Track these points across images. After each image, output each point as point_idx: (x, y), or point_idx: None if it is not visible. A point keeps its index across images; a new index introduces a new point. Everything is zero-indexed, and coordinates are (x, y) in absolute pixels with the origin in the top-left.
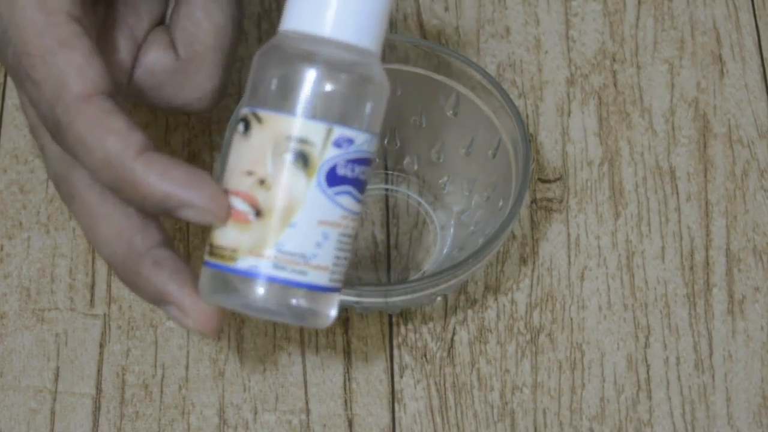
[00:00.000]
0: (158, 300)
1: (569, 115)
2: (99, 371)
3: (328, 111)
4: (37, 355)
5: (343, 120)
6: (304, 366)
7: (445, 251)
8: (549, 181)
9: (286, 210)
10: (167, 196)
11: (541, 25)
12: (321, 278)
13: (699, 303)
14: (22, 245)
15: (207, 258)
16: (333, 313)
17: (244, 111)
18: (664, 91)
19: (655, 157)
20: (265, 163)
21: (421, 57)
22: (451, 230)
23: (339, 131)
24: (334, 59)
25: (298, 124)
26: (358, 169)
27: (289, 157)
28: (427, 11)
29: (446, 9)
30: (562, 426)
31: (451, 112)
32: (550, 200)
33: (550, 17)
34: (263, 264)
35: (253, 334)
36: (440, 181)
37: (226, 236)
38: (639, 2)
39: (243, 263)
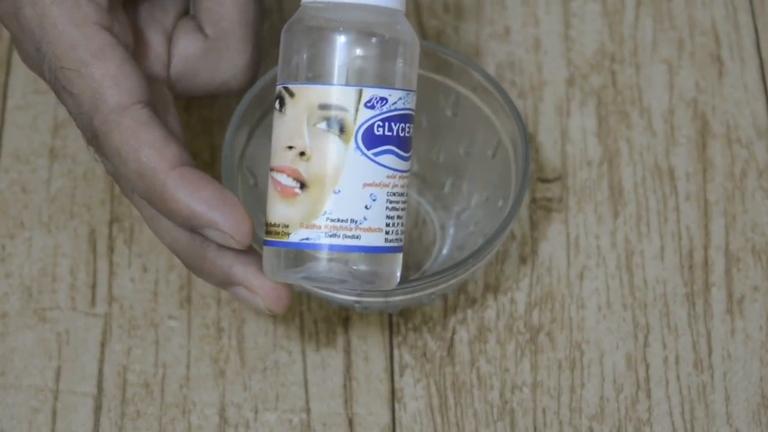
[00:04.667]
0: (225, 282)
1: (568, 115)
2: (100, 370)
3: (354, 74)
4: (39, 354)
5: (372, 81)
6: (305, 365)
7: (445, 251)
8: (548, 181)
9: (329, 178)
10: (194, 215)
11: (540, 26)
12: (376, 240)
13: (698, 302)
14: (24, 245)
15: (265, 237)
16: (398, 272)
17: (278, 88)
18: (663, 91)
19: (654, 157)
20: (302, 135)
21: (421, 57)
22: (451, 230)
23: (370, 92)
24: (357, 23)
25: (326, 91)
26: (396, 126)
27: (323, 126)
28: (427, 11)
29: (446, 9)
30: (562, 425)
31: (451, 112)
32: (549, 200)
33: (550, 17)
34: (315, 234)
35: (254, 333)
36: (440, 181)
37: (277, 213)
38: (638, 3)
39: (296, 236)
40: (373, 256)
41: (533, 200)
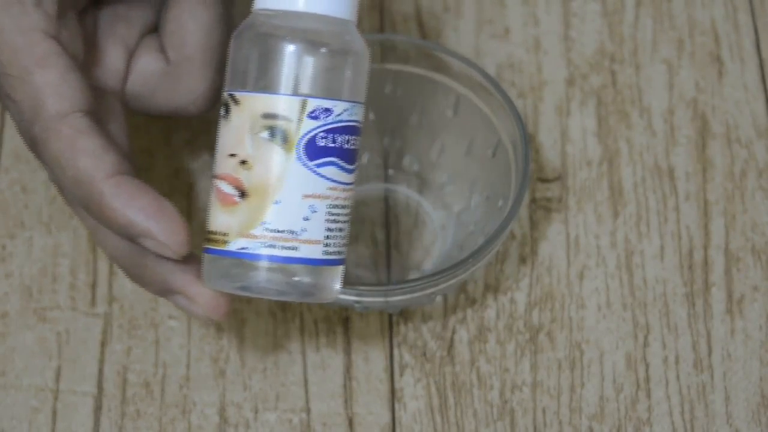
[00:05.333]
0: (165, 290)
1: (568, 115)
2: (100, 370)
3: (299, 84)
4: (39, 354)
5: (317, 91)
6: (305, 365)
7: (444, 251)
8: (548, 181)
9: (268, 188)
10: (129, 223)
11: (540, 26)
12: (314, 252)
13: (698, 302)
14: (24, 244)
15: (204, 244)
16: (337, 286)
17: (224, 95)
18: (662, 91)
19: (654, 157)
20: (244, 144)
21: (421, 57)
22: (451, 230)
23: (314, 103)
24: (305, 32)
25: (270, 100)
26: (341, 138)
27: (265, 135)
28: (427, 11)
29: (446, 9)
30: (562, 425)
31: (450, 112)
32: (549, 200)
33: (550, 18)
34: (253, 244)
35: (254, 334)
36: (440, 181)
37: (217, 221)
38: (638, 3)
39: (234, 245)
40: (312, 268)
41: (533, 200)
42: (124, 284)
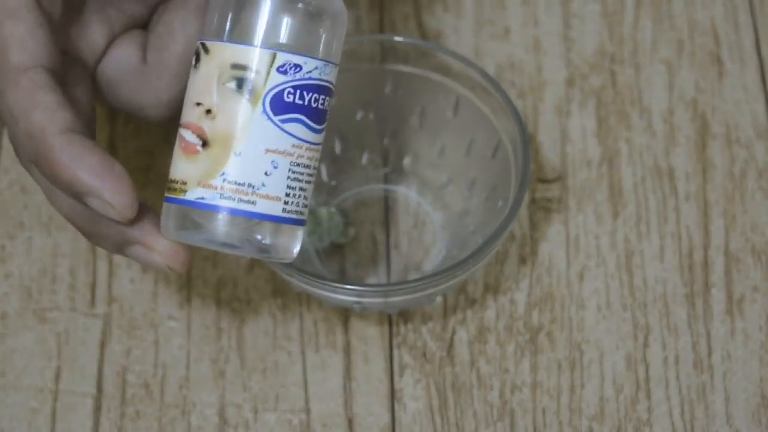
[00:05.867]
0: (122, 243)
1: (568, 115)
2: (100, 371)
3: (270, 37)
4: (39, 355)
5: (288, 46)
6: (304, 365)
7: (444, 251)
8: (548, 181)
9: (231, 139)
10: (76, 180)
11: (540, 26)
12: (273, 208)
13: (698, 303)
14: (24, 245)
15: (165, 194)
16: (295, 248)
17: (197, 44)
18: (662, 91)
19: (654, 158)
20: (211, 93)
21: (421, 57)
22: (451, 230)
23: (284, 57)
24: None
25: (239, 51)
26: (309, 96)
27: (232, 85)
28: (427, 11)
29: (446, 9)
30: (562, 425)
31: (450, 112)
32: (549, 200)
33: (549, 18)
34: (211, 194)
35: (254, 334)
36: (440, 181)
37: (179, 169)
38: (638, 3)
39: (192, 194)
40: (270, 225)
41: (533, 200)
42: (124, 285)
